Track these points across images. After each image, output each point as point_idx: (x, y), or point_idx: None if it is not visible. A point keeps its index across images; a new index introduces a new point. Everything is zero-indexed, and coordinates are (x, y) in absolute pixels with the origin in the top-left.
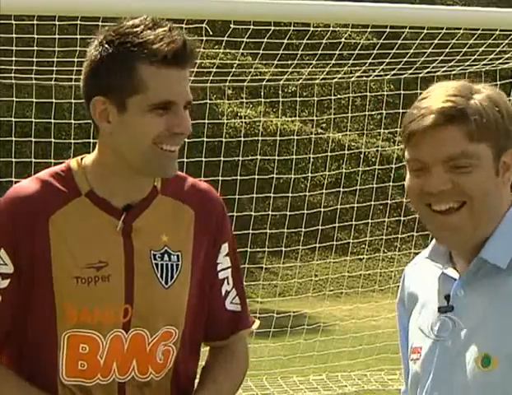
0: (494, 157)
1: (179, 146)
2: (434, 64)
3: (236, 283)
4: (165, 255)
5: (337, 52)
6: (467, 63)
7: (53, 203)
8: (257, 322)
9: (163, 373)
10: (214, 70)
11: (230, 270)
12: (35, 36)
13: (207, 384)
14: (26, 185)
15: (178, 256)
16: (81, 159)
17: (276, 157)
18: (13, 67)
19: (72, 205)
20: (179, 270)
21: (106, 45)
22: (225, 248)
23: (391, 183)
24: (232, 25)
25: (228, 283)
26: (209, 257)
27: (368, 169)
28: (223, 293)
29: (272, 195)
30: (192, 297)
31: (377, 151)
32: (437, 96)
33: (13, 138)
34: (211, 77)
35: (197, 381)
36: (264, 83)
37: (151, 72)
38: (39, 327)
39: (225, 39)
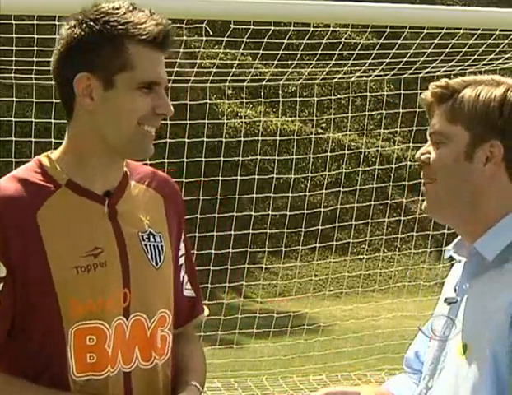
0: (470, 141)
1: (157, 128)
2: (434, 64)
3: (188, 269)
4: (151, 236)
5: (337, 52)
6: (467, 63)
7: (37, 198)
8: (207, 310)
9: (163, 359)
10: (214, 70)
11: (184, 256)
12: (35, 36)
13: (189, 368)
14: (5, 185)
15: (160, 237)
16: (50, 153)
17: (276, 157)
18: (13, 67)
19: (54, 197)
20: (164, 251)
21: (91, 23)
22: (182, 234)
23: (391, 183)
24: (232, 25)
25: (183, 269)
26: (176, 243)
27: (368, 169)
28: (181, 279)
29: (272, 195)
30: (173, 279)
31: (377, 151)
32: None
33: (13, 138)
34: (211, 77)
35: None
36: (264, 83)
37: (140, 50)
38: (44, 326)
39: (225, 39)
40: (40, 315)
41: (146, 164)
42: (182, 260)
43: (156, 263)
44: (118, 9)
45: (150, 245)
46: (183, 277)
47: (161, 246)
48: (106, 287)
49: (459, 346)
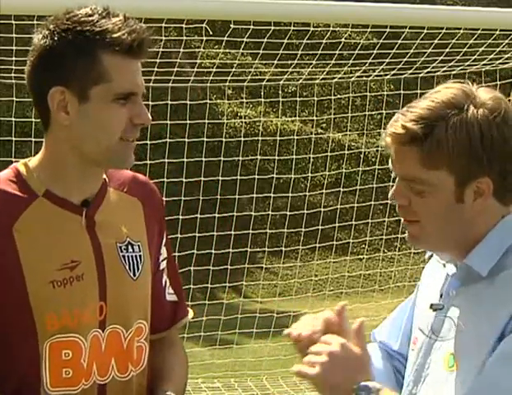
0: (457, 183)
1: (137, 137)
2: (434, 64)
3: (171, 273)
4: (129, 246)
5: (337, 52)
6: (467, 63)
7: (14, 211)
8: (191, 312)
9: (139, 370)
10: (214, 70)
11: (166, 260)
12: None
13: (169, 376)
14: None
15: (139, 246)
16: (28, 161)
17: (276, 157)
18: (13, 67)
19: (31, 208)
20: (142, 261)
21: (63, 34)
22: (164, 237)
23: (391, 183)
24: (232, 25)
25: (165, 273)
26: (157, 248)
27: (368, 169)
28: (163, 284)
29: (272, 195)
30: (152, 287)
31: (377, 150)
32: (412, 111)
33: (13, 138)
34: (211, 77)
35: None
36: (264, 83)
37: (114, 61)
38: (17, 341)
39: (225, 39)
40: (15, 329)
41: (145, 164)
42: (164, 264)
43: (134, 274)
44: (91, 16)
45: (128, 256)
46: (165, 282)
47: (140, 256)
48: (82, 300)
49: (446, 357)
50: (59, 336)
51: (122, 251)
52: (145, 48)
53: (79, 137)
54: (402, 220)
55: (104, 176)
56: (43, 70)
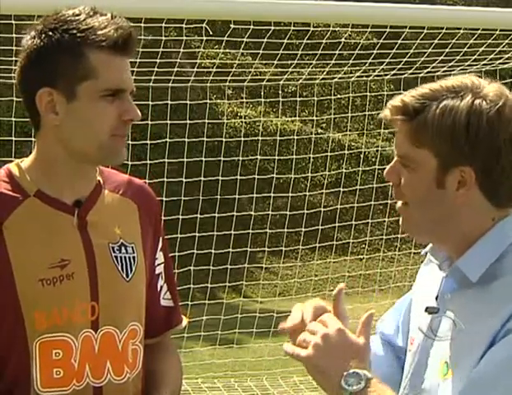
0: (439, 168)
1: (127, 134)
2: (434, 64)
3: (168, 278)
4: (122, 247)
5: (337, 52)
6: (467, 63)
7: (4, 209)
8: (185, 320)
9: (134, 372)
10: (214, 70)
11: (163, 265)
12: None
13: (164, 380)
14: None
15: (132, 248)
16: (21, 162)
17: (276, 157)
18: (13, 67)
19: (22, 207)
20: (136, 262)
21: (50, 33)
22: (160, 242)
23: (391, 184)
24: (232, 25)
25: (162, 278)
26: (151, 252)
27: (368, 169)
28: (158, 288)
29: (272, 195)
30: (146, 291)
31: (377, 150)
32: (416, 90)
33: (13, 138)
34: (211, 77)
35: None
36: (264, 83)
37: (100, 57)
38: (6, 340)
39: (225, 39)
40: (4, 328)
41: (145, 164)
42: (160, 269)
43: (127, 275)
44: (78, 15)
45: (121, 257)
46: (162, 286)
47: (133, 257)
48: (72, 299)
49: (441, 365)
50: (48, 335)
51: (114, 252)
52: (131, 45)
53: (69, 135)
54: (397, 204)
55: (99, 178)
56: (30, 71)
